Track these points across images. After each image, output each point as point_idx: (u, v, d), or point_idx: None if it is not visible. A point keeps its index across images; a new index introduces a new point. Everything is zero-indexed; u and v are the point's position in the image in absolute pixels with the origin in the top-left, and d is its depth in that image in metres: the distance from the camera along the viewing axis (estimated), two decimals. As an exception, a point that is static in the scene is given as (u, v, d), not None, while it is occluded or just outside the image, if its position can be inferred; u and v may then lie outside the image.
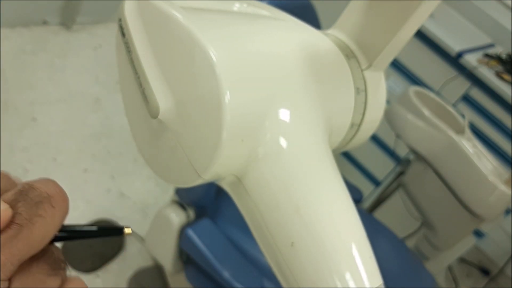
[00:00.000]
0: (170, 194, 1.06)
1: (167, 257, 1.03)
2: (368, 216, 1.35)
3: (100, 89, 1.89)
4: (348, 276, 0.32)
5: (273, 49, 0.36)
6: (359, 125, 0.41)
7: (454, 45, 1.58)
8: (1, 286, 0.21)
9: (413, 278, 1.20)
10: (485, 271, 1.95)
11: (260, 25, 0.39)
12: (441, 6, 1.76)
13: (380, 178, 1.80)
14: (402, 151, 1.64)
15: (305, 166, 0.33)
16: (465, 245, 1.54)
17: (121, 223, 1.49)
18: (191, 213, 1.01)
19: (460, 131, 1.22)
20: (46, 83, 1.80)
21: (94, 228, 0.29)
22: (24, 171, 1.50)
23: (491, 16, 1.80)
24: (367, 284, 0.32)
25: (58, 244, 0.26)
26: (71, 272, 0.26)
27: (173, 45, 0.32)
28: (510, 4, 1.78)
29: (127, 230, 0.30)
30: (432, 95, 1.33)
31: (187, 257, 1.04)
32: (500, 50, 1.74)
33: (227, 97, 0.30)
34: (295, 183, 0.33)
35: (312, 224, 0.32)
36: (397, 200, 1.51)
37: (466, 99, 1.61)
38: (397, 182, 1.47)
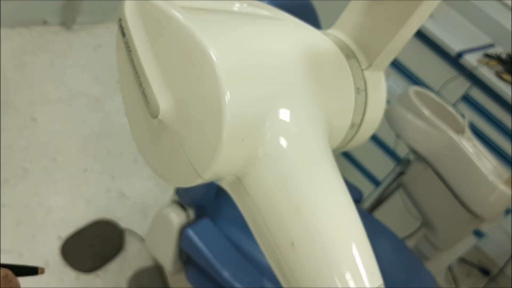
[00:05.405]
0: (170, 194, 1.06)
1: (167, 257, 1.03)
2: (368, 216, 1.35)
3: (100, 89, 1.89)
4: (348, 276, 0.32)
5: (273, 49, 0.36)
6: (359, 125, 0.41)
7: (454, 45, 1.58)
8: None
9: (413, 278, 1.20)
10: (485, 271, 1.94)
11: (260, 25, 0.39)
12: (441, 6, 1.75)
13: (380, 178, 1.80)
14: (402, 151, 1.64)
15: (305, 166, 0.33)
16: (465, 245, 1.53)
17: (121, 223, 1.49)
18: (191, 213, 1.01)
19: (460, 131, 1.22)
20: (46, 83, 1.80)
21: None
22: (24, 171, 1.50)
23: (491, 16, 1.80)
24: (367, 284, 0.32)
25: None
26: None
27: (174, 45, 0.32)
28: (510, 4, 1.78)
29: (40, 270, 0.35)
30: (432, 95, 1.33)
31: (187, 257, 1.04)
32: (500, 50, 1.74)
33: (227, 97, 0.30)
34: (295, 183, 0.33)
35: (312, 224, 0.32)
36: (397, 200, 1.51)
37: (466, 99, 1.61)
38: (397, 182, 1.46)
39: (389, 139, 1.68)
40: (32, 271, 0.35)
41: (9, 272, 0.33)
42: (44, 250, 1.35)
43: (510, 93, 1.49)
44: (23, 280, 0.33)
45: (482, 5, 1.81)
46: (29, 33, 1.93)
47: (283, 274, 0.33)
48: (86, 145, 1.68)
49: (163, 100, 0.33)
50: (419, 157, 1.29)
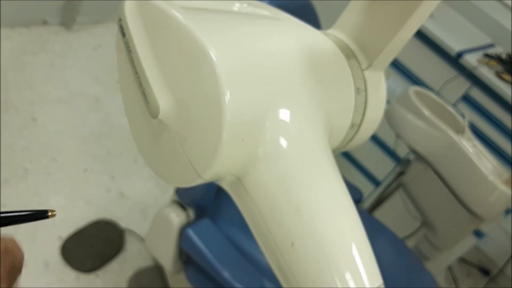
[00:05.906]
0: (170, 194, 1.06)
1: (167, 257, 1.03)
2: (368, 216, 1.35)
3: (100, 89, 1.89)
4: (348, 276, 0.32)
5: (273, 49, 0.35)
6: (359, 125, 0.41)
7: (454, 45, 1.58)
8: None
9: (413, 278, 1.20)
10: (485, 271, 1.95)
11: (260, 25, 0.39)
12: (441, 6, 1.75)
13: (380, 178, 1.80)
14: (402, 151, 1.64)
15: (305, 166, 0.33)
16: (465, 245, 1.54)
17: (121, 223, 1.49)
18: (191, 213, 1.01)
19: (460, 131, 1.22)
20: (46, 83, 1.80)
21: (17, 213, 0.30)
22: (24, 171, 1.50)
23: (491, 16, 1.80)
24: (367, 284, 0.32)
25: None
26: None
27: (174, 45, 0.32)
28: (510, 4, 1.78)
29: (51, 213, 0.31)
30: (432, 95, 1.33)
31: (187, 257, 1.04)
32: (500, 50, 1.74)
33: (227, 97, 0.30)
34: (295, 183, 0.33)
35: (312, 224, 0.32)
36: (397, 200, 1.51)
37: (466, 99, 1.61)
38: (397, 182, 1.46)
39: (389, 139, 1.68)
40: (40, 215, 0.31)
41: (9, 242, 0.29)
42: (44, 250, 1.35)
43: (510, 93, 1.49)
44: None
45: (482, 5, 1.81)
46: (29, 33, 1.93)
47: (283, 274, 0.33)
48: (86, 145, 1.68)
49: (163, 100, 0.33)
50: (419, 157, 1.29)
